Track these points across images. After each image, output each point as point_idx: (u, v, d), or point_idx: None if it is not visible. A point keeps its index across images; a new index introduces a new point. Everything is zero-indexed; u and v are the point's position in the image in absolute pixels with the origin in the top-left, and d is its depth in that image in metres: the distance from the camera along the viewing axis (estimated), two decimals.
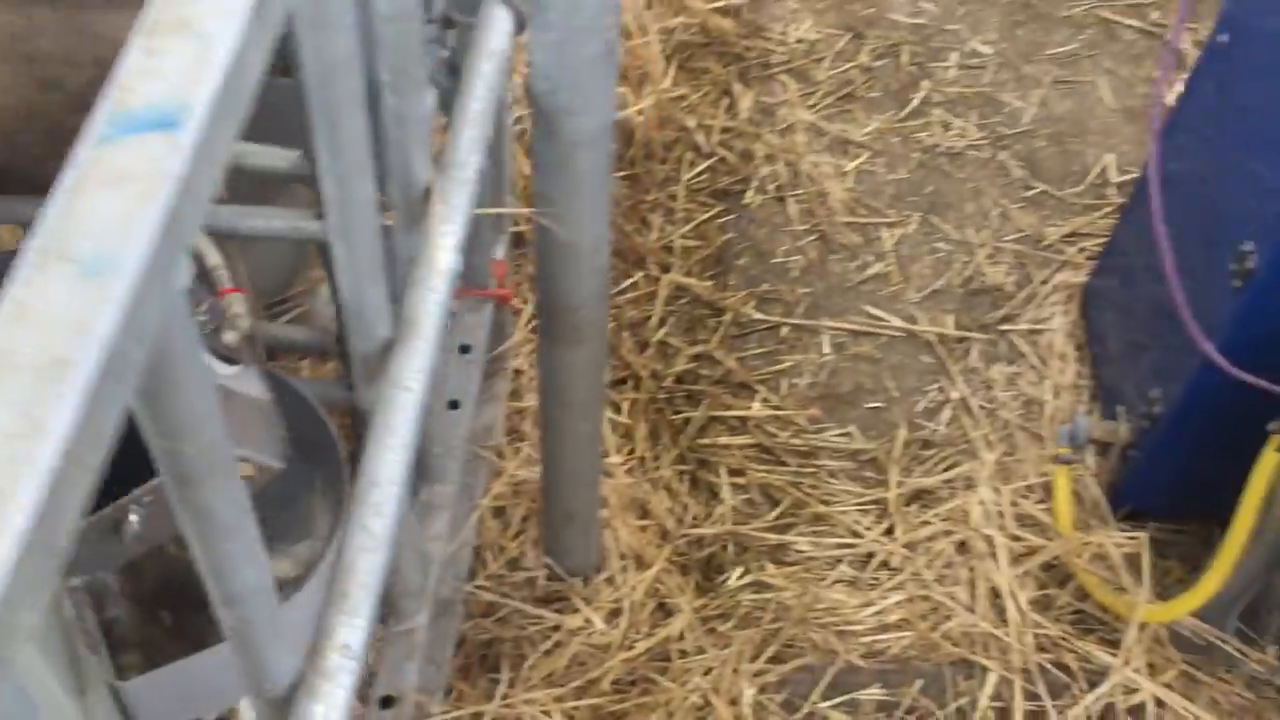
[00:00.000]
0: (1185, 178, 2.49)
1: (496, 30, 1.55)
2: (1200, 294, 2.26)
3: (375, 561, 1.16)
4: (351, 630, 1.12)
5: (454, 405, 2.20)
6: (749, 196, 3.24)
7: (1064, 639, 2.42)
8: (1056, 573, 2.54)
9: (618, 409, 2.71)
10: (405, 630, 1.89)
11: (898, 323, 3.02)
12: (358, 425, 1.51)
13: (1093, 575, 2.46)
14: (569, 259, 1.81)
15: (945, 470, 2.74)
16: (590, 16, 1.54)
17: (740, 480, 2.71)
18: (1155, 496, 2.55)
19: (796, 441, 2.79)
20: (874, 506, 2.70)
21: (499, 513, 2.45)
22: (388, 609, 1.88)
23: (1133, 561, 2.42)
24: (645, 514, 2.59)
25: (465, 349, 2.29)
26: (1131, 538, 2.44)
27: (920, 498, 2.70)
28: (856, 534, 2.63)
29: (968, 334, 3.01)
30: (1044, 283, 3.09)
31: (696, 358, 2.89)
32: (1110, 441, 2.59)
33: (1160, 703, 2.33)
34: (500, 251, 2.36)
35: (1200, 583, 2.26)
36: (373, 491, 1.21)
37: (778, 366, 2.93)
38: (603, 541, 2.44)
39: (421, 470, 2.01)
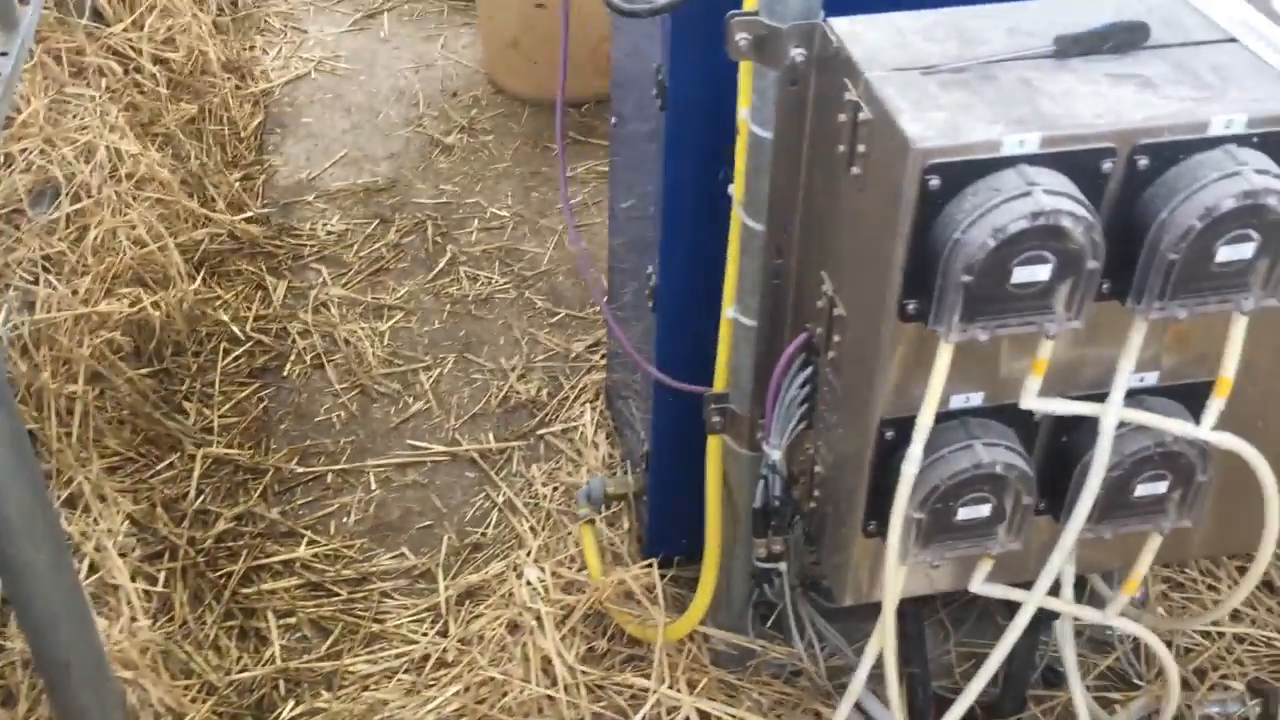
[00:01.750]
0: (621, 250, 2.80)
1: None
2: (644, 335, 2.51)
3: None
4: None
5: None
6: (288, 369, 3.35)
7: (610, 679, 2.49)
8: (601, 624, 2.63)
9: (154, 580, 2.68)
10: None
11: (440, 448, 3.15)
12: None
13: (625, 614, 2.56)
14: None
15: (494, 564, 2.82)
16: None
17: (290, 620, 2.70)
18: (678, 537, 2.70)
19: (348, 572, 2.82)
20: (428, 613, 2.73)
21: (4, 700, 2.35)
22: None
23: (652, 591, 2.55)
24: (189, 673, 2.54)
25: None
26: (645, 568, 2.58)
27: (472, 595, 2.76)
28: (411, 640, 2.66)
29: (508, 444, 3.16)
30: (573, 388, 3.31)
31: (238, 518, 2.91)
32: (624, 493, 2.76)
33: (704, 714, 2.42)
34: None
35: (699, 588, 2.40)
36: None
37: (325, 511, 2.98)
38: (130, 702, 2.36)
39: None
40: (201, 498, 2.93)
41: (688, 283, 2.31)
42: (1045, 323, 1.57)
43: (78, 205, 3.24)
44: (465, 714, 2.48)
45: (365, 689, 2.57)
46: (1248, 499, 1.87)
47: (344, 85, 4.57)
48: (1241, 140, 1.55)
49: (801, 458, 2.05)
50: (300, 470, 3.06)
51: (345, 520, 2.95)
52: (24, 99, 3.44)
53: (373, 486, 3.05)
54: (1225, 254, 1.55)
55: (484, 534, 2.93)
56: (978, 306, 1.55)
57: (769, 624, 2.54)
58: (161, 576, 2.69)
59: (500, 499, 3.01)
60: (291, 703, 2.53)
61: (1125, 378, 1.68)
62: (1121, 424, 1.74)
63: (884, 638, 1.93)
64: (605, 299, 2.97)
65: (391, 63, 4.71)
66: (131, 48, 3.94)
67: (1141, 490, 1.80)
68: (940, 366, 1.62)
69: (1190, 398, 1.78)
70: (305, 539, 2.88)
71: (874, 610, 1.95)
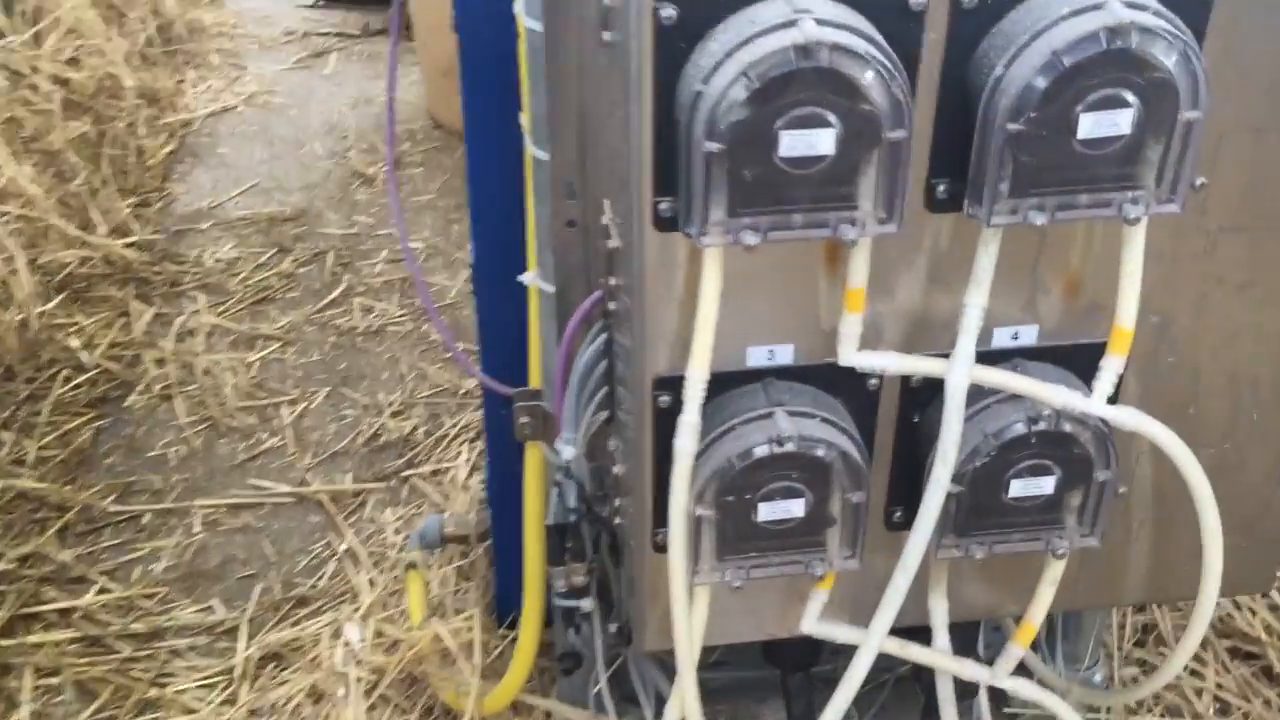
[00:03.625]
0: None
1: None
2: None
3: None
4: None
5: None
6: (131, 400, 2.93)
7: None
8: (422, 691, 2.13)
9: None
10: None
11: (285, 489, 2.69)
12: None
13: (445, 679, 2.07)
14: None
15: (315, 621, 2.35)
16: None
17: (52, 680, 2.23)
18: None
19: (138, 626, 2.35)
20: (221, 677, 2.25)
21: None
22: None
23: (470, 649, 2.06)
24: None
25: None
26: (466, 620, 2.09)
27: (280, 657, 2.28)
28: (190, 710, 2.17)
29: (365, 486, 2.70)
30: (455, 425, 2.86)
31: (23, 559, 2.46)
32: (466, 533, 2.28)
33: None
34: None
35: (519, 643, 1.91)
36: None
37: (131, 555, 2.52)
38: None
39: None
40: None
41: (507, 254, 1.85)
42: (842, 224, 1.11)
43: None
44: None
45: None
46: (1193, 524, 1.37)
47: (272, 119, 4.25)
48: None
49: (605, 458, 1.58)
50: (114, 509, 2.62)
51: (152, 567, 2.50)
52: None
53: (196, 529, 2.59)
54: (1091, 125, 1.08)
55: (314, 586, 2.46)
56: (742, 195, 1.09)
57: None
58: None
59: (343, 547, 2.55)
60: None
61: (976, 318, 1.20)
62: (983, 394, 1.27)
63: (682, 700, 1.42)
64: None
65: (329, 99, 4.39)
66: (28, 63, 3.64)
67: (1019, 489, 1.30)
68: (709, 286, 1.16)
69: (1085, 364, 1.29)
70: (96, 586, 2.42)
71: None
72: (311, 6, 5.08)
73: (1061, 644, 2.04)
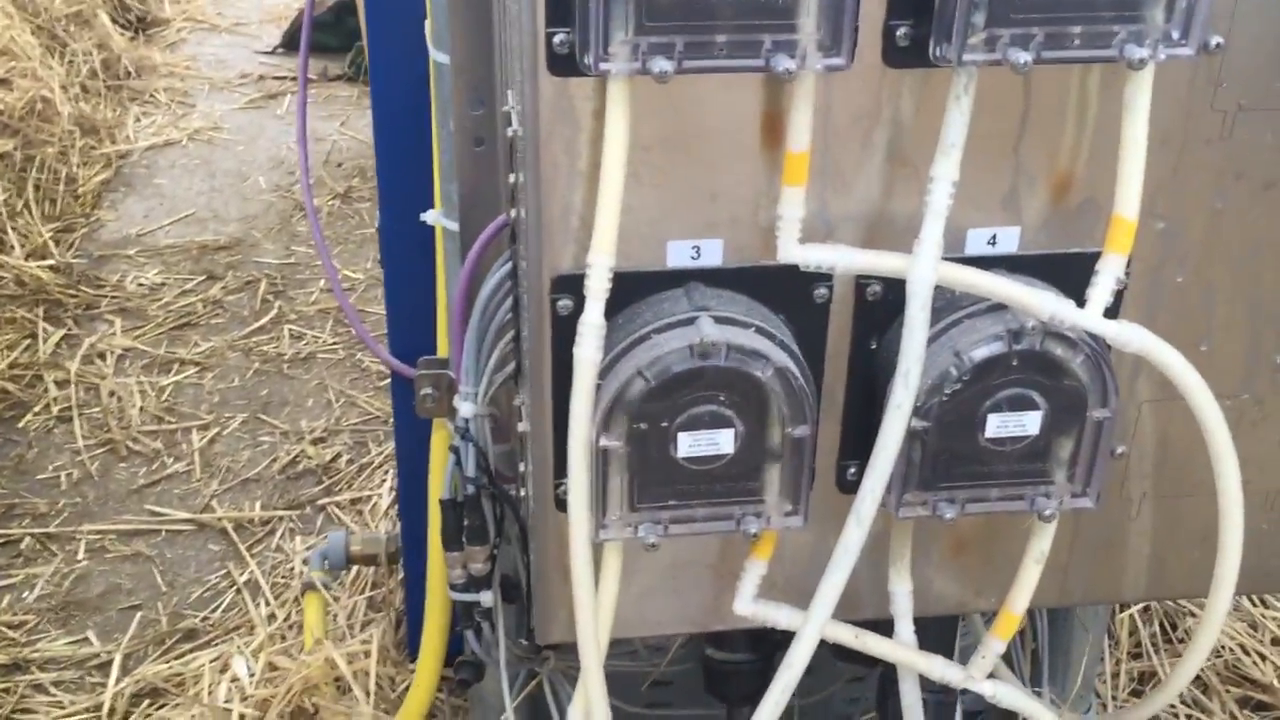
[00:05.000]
0: None
1: None
2: None
3: None
4: None
5: None
6: (26, 420, 2.67)
7: None
8: None
9: None
10: None
11: (183, 515, 2.42)
12: None
13: (338, 712, 1.79)
14: None
15: (201, 654, 2.06)
16: None
17: None
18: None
19: (1, 657, 2.07)
20: (88, 714, 1.96)
21: None
22: None
23: (364, 677, 1.78)
24: None
25: None
26: (364, 643, 1.81)
27: (157, 692, 2.00)
28: None
29: (275, 513, 2.44)
30: (381, 454, 2.60)
31: None
32: (375, 552, 2.01)
33: None
34: None
35: (420, 660, 1.64)
36: None
37: (3, 582, 2.24)
38: None
39: None
40: None
41: (414, 203, 1.62)
42: (778, 54, 0.89)
43: None
44: None
45: None
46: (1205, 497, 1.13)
47: (216, 153, 4.05)
48: None
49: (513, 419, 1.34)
50: None
51: (25, 595, 2.22)
52: None
53: (79, 556, 2.32)
54: None
55: (205, 619, 2.18)
56: (653, 9, 0.88)
57: None
58: None
59: (243, 578, 2.27)
60: None
61: (944, 195, 0.97)
62: (954, 306, 1.04)
63: (586, 700, 1.16)
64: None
65: (278, 136, 4.20)
66: None
67: (997, 427, 1.06)
68: (615, 127, 0.93)
69: (1076, 279, 1.06)
70: None
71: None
72: (270, 53, 4.93)
73: (1048, 685, 1.79)
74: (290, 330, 3.06)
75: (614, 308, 1.02)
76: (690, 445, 1.03)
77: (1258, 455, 1.20)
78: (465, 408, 1.33)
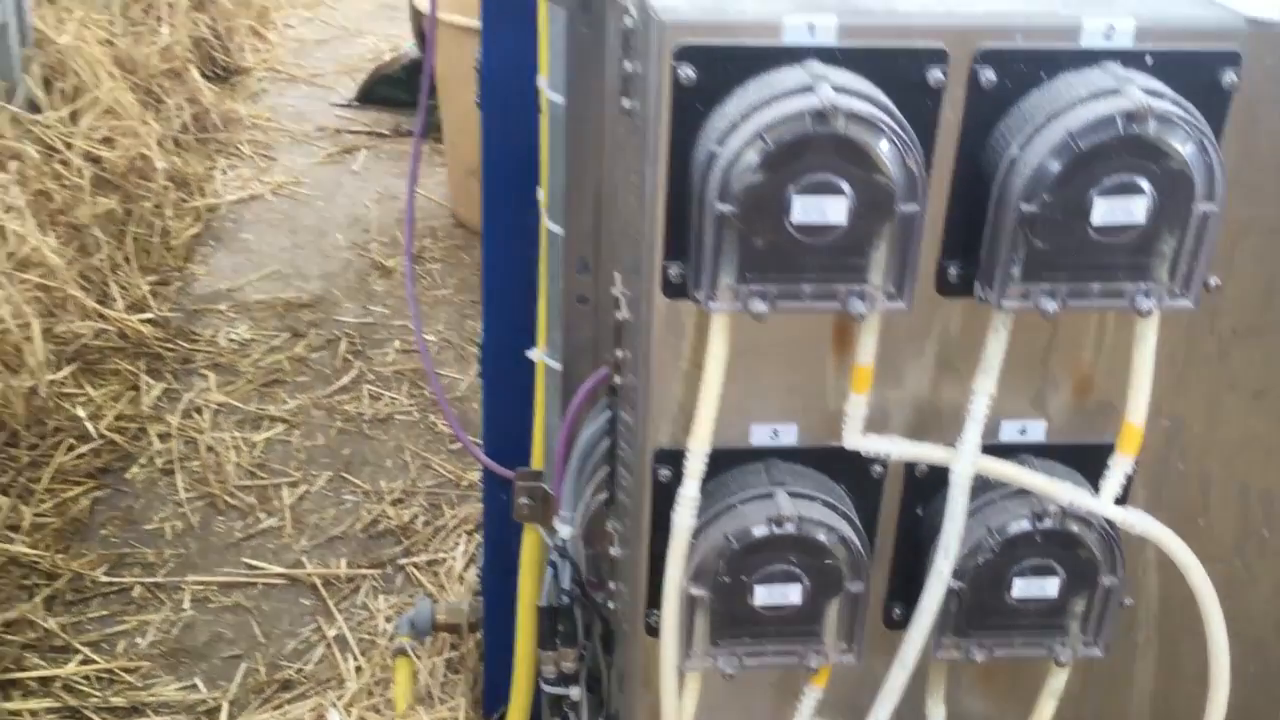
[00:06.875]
0: None
1: None
2: None
3: None
4: None
5: None
6: (132, 472, 2.91)
7: None
8: None
9: None
10: None
11: (278, 570, 2.65)
12: None
13: None
14: None
15: (297, 705, 2.29)
16: None
17: None
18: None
19: (118, 700, 2.30)
20: None
21: None
22: None
23: None
24: None
25: None
26: (451, 710, 2.03)
27: None
28: None
29: (360, 572, 2.66)
30: (455, 517, 2.83)
31: (8, 624, 2.42)
32: (458, 622, 2.23)
33: None
34: None
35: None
36: None
37: (118, 627, 2.48)
38: None
39: None
40: None
41: (516, 332, 1.84)
42: (851, 297, 1.10)
43: None
44: None
45: None
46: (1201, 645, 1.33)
47: (298, 209, 4.31)
48: (1127, 58, 1.11)
49: (603, 543, 1.55)
50: (105, 579, 2.58)
51: (138, 640, 2.45)
52: None
53: (185, 606, 2.55)
54: (1105, 212, 1.08)
55: (299, 670, 2.41)
56: (752, 261, 1.09)
57: None
58: None
59: (332, 633, 2.50)
60: None
61: (983, 406, 1.18)
62: (988, 487, 1.24)
63: None
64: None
65: (356, 193, 4.45)
66: (62, 139, 3.72)
67: (1022, 589, 1.27)
68: (715, 354, 1.14)
69: (1093, 465, 1.27)
70: (79, 656, 2.37)
71: None
72: (345, 106, 5.19)
73: None
74: (369, 390, 3.30)
75: (705, 478, 1.23)
76: (765, 596, 1.24)
77: (1247, 609, 1.39)
78: (565, 530, 1.54)
